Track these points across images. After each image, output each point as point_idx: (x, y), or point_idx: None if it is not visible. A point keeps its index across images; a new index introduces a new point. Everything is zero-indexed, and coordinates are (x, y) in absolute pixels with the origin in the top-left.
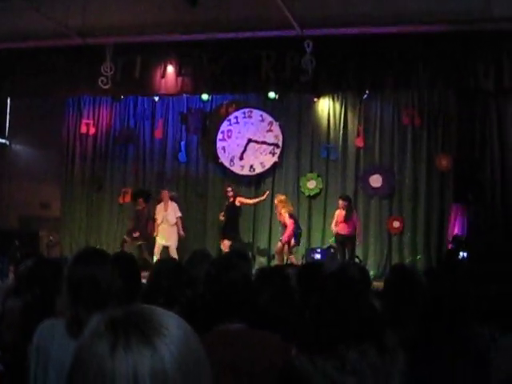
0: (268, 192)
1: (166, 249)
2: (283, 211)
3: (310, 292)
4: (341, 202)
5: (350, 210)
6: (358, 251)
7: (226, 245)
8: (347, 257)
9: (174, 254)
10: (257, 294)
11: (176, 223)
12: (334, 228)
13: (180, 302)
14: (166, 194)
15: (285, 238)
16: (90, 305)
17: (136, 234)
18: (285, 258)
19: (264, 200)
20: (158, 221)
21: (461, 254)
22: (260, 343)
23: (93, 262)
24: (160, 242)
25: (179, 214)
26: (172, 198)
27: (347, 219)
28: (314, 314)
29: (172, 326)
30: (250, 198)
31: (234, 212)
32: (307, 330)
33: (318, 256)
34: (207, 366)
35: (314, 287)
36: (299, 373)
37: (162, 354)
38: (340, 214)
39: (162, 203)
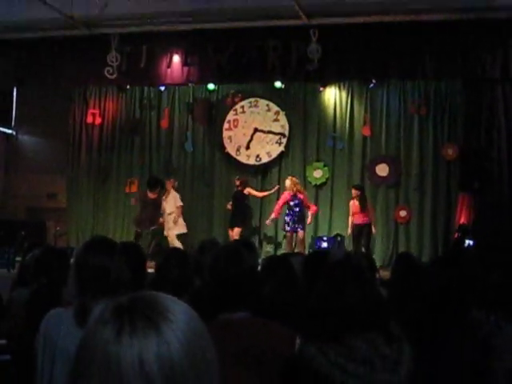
0: (278, 186)
1: (165, 238)
2: (302, 191)
3: (316, 280)
4: (354, 191)
5: (363, 200)
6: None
7: (235, 232)
8: (363, 247)
9: (174, 243)
10: (262, 284)
11: (173, 212)
12: (350, 219)
13: (188, 291)
14: (170, 183)
15: (309, 220)
16: (98, 294)
17: (153, 227)
18: (293, 244)
19: (272, 193)
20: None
21: (467, 242)
22: (264, 332)
23: (102, 251)
24: (172, 232)
25: (180, 204)
26: (174, 188)
27: (363, 209)
28: (320, 302)
29: (178, 311)
30: (260, 191)
31: (242, 200)
32: (313, 320)
33: (324, 244)
34: (214, 353)
35: (319, 276)
36: (308, 363)
37: (168, 340)
38: (354, 204)
39: (167, 193)
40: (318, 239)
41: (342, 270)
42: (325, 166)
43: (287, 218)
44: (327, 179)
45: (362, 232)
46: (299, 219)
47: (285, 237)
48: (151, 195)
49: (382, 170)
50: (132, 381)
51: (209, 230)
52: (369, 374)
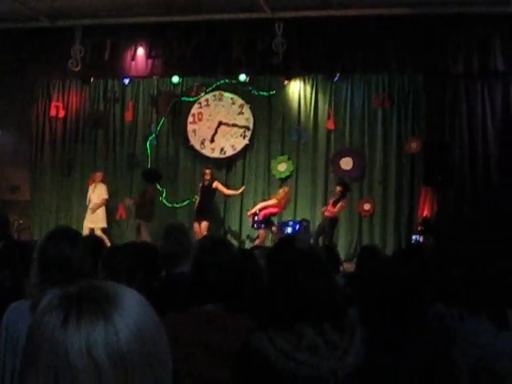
0: (244, 188)
1: (92, 231)
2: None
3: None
4: (337, 188)
5: (342, 196)
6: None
7: (203, 226)
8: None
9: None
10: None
11: (100, 204)
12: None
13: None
14: (99, 175)
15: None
16: (59, 284)
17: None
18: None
19: (238, 194)
20: (87, 202)
21: (414, 237)
22: (232, 325)
23: (64, 241)
24: (87, 224)
25: (105, 196)
26: (103, 180)
27: (335, 203)
28: (274, 283)
29: (130, 300)
30: (227, 188)
31: (209, 194)
32: (266, 303)
33: (289, 230)
34: (166, 344)
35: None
36: (256, 349)
37: (118, 328)
38: (332, 199)
39: (94, 184)
40: (283, 224)
41: (303, 258)
42: (289, 159)
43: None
44: (291, 172)
45: (325, 223)
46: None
47: (248, 237)
48: (155, 189)
49: (347, 163)
50: (80, 368)
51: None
52: (315, 361)
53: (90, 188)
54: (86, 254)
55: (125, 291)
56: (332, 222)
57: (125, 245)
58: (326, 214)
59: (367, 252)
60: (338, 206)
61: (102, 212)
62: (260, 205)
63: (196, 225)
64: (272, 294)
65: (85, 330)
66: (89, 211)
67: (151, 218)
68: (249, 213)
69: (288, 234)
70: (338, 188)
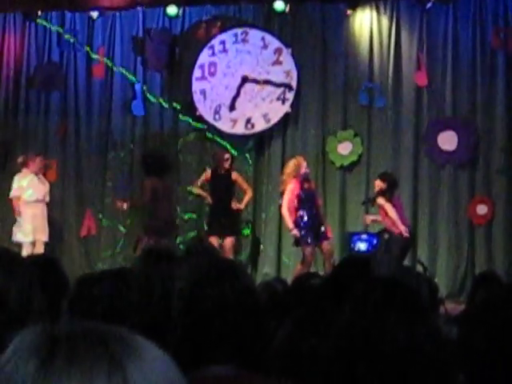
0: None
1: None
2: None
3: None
4: (377, 183)
5: (387, 197)
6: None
7: (227, 244)
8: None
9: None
10: (264, 320)
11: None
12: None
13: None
14: (39, 161)
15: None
16: None
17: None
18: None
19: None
20: (20, 200)
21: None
22: None
23: None
24: (23, 237)
25: (46, 194)
26: (47, 167)
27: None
28: (344, 341)
29: (152, 350)
30: (249, 186)
31: (228, 190)
32: (328, 371)
33: (362, 246)
34: None
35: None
36: None
37: (131, 380)
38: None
39: (27, 173)
40: (353, 236)
41: (385, 294)
42: (356, 135)
43: (302, 222)
44: (360, 157)
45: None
46: (319, 221)
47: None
48: (159, 183)
49: (448, 140)
50: None
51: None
52: None
53: (22, 179)
54: (32, 285)
55: (142, 338)
56: (404, 240)
57: (105, 272)
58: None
59: (485, 283)
60: (371, 217)
61: (45, 218)
62: (284, 208)
63: (214, 241)
64: (342, 347)
65: (78, 374)
66: (26, 216)
67: (166, 233)
68: (290, 229)
69: (359, 253)
70: (379, 184)
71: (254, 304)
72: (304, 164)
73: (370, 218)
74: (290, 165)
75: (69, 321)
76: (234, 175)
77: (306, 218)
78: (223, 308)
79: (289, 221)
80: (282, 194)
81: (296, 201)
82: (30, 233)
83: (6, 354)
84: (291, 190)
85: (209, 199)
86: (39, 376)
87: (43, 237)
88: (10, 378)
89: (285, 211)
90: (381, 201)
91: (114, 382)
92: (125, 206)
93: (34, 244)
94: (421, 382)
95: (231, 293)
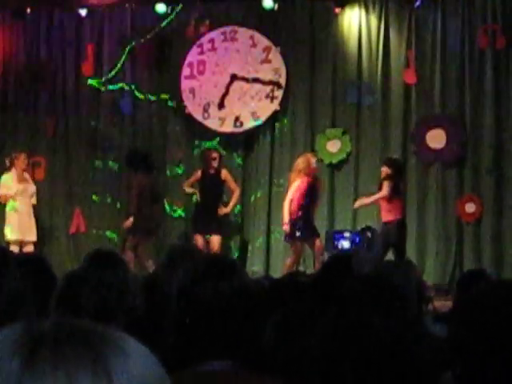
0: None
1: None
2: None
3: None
4: (383, 169)
5: (395, 182)
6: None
7: (214, 242)
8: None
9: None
10: (260, 317)
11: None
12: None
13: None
14: (23, 158)
15: None
16: None
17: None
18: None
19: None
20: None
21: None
22: None
23: None
24: (12, 236)
25: (33, 192)
26: (35, 165)
27: (391, 198)
28: (329, 341)
29: (135, 345)
30: (237, 186)
31: (217, 188)
32: (311, 369)
33: (345, 244)
34: None
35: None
36: None
37: (115, 377)
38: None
39: (14, 172)
40: (336, 235)
41: (370, 292)
42: (344, 133)
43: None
44: (348, 155)
45: (389, 234)
46: (313, 218)
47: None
48: (144, 178)
49: (437, 138)
50: None
51: (160, 234)
52: None
53: (5, 177)
54: (20, 282)
55: (127, 335)
56: (399, 226)
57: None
58: (392, 215)
59: (472, 281)
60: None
61: (32, 218)
62: (286, 205)
63: (199, 239)
64: (327, 347)
65: (63, 375)
66: (12, 214)
67: (154, 231)
68: (283, 223)
69: (343, 251)
70: (385, 170)
71: (250, 301)
72: (313, 161)
73: (358, 203)
74: (300, 161)
75: (54, 318)
76: (224, 174)
77: (300, 213)
78: (221, 305)
79: (286, 215)
80: (287, 188)
81: (302, 197)
82: (16, 231)
83: None
84: (298, 186)
85: (198, 196)
86: (23, 375)
87: (31, 237)
88: None
89: (286, 204)
90: (385, 185)
91: (98, 383)
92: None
93: (21, 243)
94: (406, 381)
95: (229, 290)
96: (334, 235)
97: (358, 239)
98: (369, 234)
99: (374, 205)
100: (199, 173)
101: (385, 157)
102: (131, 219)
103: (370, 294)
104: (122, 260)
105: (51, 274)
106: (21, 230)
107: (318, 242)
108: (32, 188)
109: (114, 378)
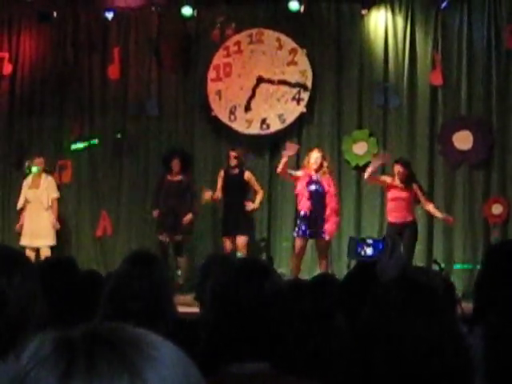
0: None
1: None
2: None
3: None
4: (397, 167)
5: (409, 182)
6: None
7: (240, 243)
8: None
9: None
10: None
11: (51, 207)
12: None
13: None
14: (40, 162)
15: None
16: None
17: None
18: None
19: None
20: (20, 205)
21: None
22: None
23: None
24: (26, 242)
25: (56, 195)
26: (47, 171)
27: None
28: (362, 346)
29: (167, 351)
30: (261, 189)
31: (240, 189)
32: (351, 373)
33: (368, 251)
34: None
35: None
36: None
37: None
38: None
39: (30, 176)
40: (358, 243)
41: (400, 295)
42: (371, 135)
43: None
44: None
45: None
46: (321, 218)
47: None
48: (178, 177)
49: (463, 140)
50: None
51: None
52: None
53: (26, 182)
54: (36, 291)
55: (158, 338)
56: (411, 230)
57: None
58: (404, 216)
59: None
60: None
61: (49, 221)
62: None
63: (227, 241)
64: (361, 352)
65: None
66: (27, 220)
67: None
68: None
69: (366, 258)
70: (399, 169)
71: (284, 303)
72: (313, 155)
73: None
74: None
75: (84, 327)
76: (247, 175)
77: (303, 212)
78: (256, 307)
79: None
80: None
81: (306, 193)
82: (28, 236)
83: (24, 365)
84: (298, 175)
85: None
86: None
87: (45, 241)
88: None
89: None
90: (416, 187)
91: None
92: (209, 195)
93: (36, 248)
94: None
95: (264, 292)
96: (356, 242)
97: (381, 246)
98: (389, 241)
99: (401, 206)
100: (222, 172)
101: (413, 159)
102: (187, 217)
103: (405, 296)
104: (161, 261)
105: (83, 274)
106: (33, 236)
107: (320, 242)
108: (43, 193)
109: (148, 381)
